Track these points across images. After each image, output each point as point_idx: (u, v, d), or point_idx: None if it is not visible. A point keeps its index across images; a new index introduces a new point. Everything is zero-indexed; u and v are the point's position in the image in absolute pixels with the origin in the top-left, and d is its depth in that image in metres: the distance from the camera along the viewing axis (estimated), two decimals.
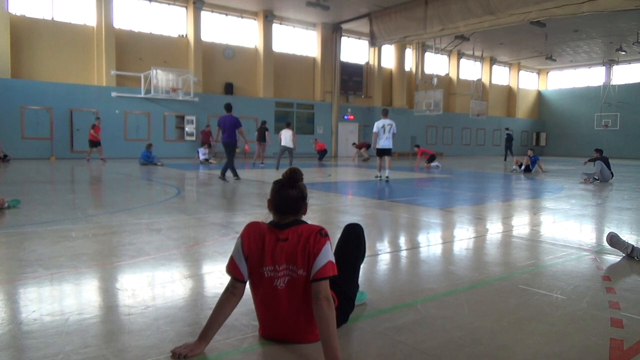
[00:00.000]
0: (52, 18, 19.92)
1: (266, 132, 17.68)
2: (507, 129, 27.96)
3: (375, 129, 11.70)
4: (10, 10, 18.67)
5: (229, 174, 11.15)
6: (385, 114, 11.89)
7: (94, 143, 17.35)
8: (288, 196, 2.26)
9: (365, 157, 22.48)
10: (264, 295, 2.24)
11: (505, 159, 25.20)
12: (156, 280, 3.37)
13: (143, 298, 2.94)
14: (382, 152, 11.82)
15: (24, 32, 19.22)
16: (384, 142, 11.66)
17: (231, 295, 2.25)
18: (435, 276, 3.59)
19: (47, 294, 3.05)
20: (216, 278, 3.38)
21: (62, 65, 20.15)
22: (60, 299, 2.95)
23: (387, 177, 11.67)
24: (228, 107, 10.82)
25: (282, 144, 15.33)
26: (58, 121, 19.65)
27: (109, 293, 3.09)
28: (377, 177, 12.04)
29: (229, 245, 4.30)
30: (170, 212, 6.52)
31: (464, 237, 5.23)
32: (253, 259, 2.23)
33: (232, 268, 2.26)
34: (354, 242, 2.68)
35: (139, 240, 4.75)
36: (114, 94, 20.66)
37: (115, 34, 20.86)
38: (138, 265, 3.76)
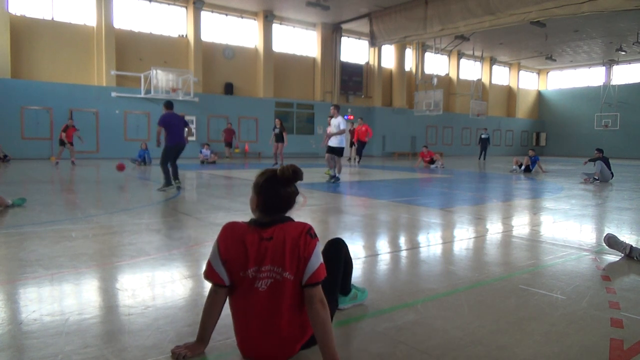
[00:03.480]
0: (52, 18, 19.93)
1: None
2: (485, 129, 27.96)
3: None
4: (10, 10, 18.68)
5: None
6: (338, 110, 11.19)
7: (64, 142, 16.16)
8: (286, 194, 2.10)
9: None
10: (243, 299, 2.07)
11: (483, 159, 25.35)
12: (156, 281, 3.37)
13: (143, 298, 2.94)
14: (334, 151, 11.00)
15: (24, 32, 19.22)
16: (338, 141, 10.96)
17: (216, 298, 2.15)
18: (436, 276, 3.59)
19: (47, 294, 3.05)
20: None
21: (62, 65, 20.15)
22: (60, 299, 2.95)
23: (334, 176, 10.93)
24: (171, 105, 9.20)
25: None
26: (58, 121, 19.58)
27: (109, 293, 3.09)
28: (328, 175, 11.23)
29: None
30: (171, 212, 6.52)
31: (464, 237, 5.23)
32: (233, 262, 2.06)
33: (210, 273, 2.11)
34: (333, 259, 2.46)
35: (139, 240, 4.75)
36: (114, 94, 20.67)
37: (115, 34, 20.86)
38: (138, 265, 3.76)
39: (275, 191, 2.09)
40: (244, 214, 6.21)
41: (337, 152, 10.87)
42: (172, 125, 8.86)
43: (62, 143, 16.15)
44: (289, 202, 2.13)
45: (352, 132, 19.13)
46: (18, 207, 6.34)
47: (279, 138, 16.73)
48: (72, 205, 7.30)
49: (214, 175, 12.92)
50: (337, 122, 10.78)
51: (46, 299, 2.95)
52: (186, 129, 9.29)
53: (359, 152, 18.94)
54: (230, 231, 2.11)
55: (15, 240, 4.54)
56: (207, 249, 4.24)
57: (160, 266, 3.71)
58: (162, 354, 2.16)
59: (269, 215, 2.11)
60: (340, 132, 10.72)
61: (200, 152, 19.05)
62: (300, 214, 6.24)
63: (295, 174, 2.08)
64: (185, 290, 3.13)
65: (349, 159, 20.91)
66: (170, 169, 8.90)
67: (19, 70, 19.20)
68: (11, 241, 4.52)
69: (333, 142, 10.88)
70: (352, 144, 21.25)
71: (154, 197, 7.81)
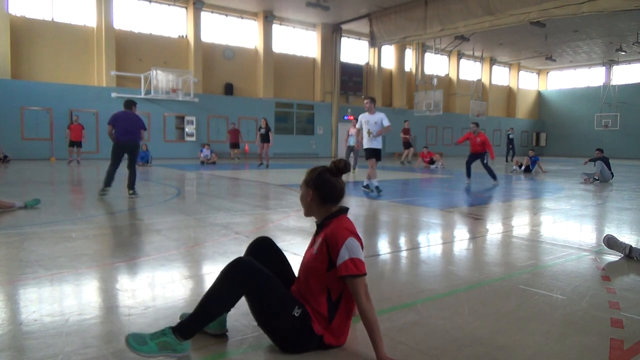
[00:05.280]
0: (52, 19, 19.91)
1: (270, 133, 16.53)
2: (511, 128, 27.82)
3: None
4: (10, 11, 18.67)
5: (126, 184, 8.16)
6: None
7: (75, 143, 16.60)
8: (340, 185, 2.33)
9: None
10: (366, 287, 2.27)
11: (511, 159, 24.80)
12: (156, 281, 3.37)
13: (143, 299, 2.94)
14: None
15: (24, 32, 19.21)
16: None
17: None
18: (435, 277, 3.59)
19: (47, 294, 3.05)
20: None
21: (62, 66, 20.15)
22: (61, 300, 2.96)
23: (377, 186, 9.03)
24: (131, 104, 8.26)
25: (350, 143, 14.85)
26: (58, 122, 19.61)
27: (109, 294, 3.09)
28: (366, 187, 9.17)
29: (228, 245, 4.31)
30: (170, 212, 6.52)
31: (464, 237, 5.23)
32: None
33: (364, 267, 2.23)
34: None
35: (139, 240, 4.76)
36: (114, 95, 20.66)
37: (115, 35, 20.86)
38: (138, 265, 3.76)
39: (332, 183, 2.30)
40: (244, 215, 6.21)
41: (378, 154, 8.96)
42: (120, 121, 7.97)
43: (71, 144, 16.57)
44: (343, 192, 2.34)
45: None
46: (31, 208, 6.30)
47: (265, 138, 16.35)
48: (72, 205, 7.30)
49: (214, 175, 12.92)
50: (380, 118, 8.71)
51: (46, 299, 2.95)
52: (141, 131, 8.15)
53: (488, 167, 12.39)
54: (348, 222, 2.28)
55: (15, 241, 4.53)
56: (207, 250, 4.26)
57: (160, 267, 3.71)
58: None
59: (338, 203, 2.33)
60: (387, 129, 8.75)
61: (201, 152, 19.06)
62: (301, 214, 6.24)
63: (346, 166, 2.32)
64: (185, 291, 3.14)
65: (402, 162, 20.03)
66: (128, 175, 8.03)
67: (19, 70, 19.19)
68: (11, 241, 4.51)
69: (373, 142, 8.83)
70: (406, 144, 20.35)
71: (153, 198, 7.81)
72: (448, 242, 5.02)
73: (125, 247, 4.49)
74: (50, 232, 4.89)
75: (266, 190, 9.50)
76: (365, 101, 8.89)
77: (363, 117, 8.90)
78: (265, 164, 16.49)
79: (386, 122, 8.70)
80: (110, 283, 3.32)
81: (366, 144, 8.90)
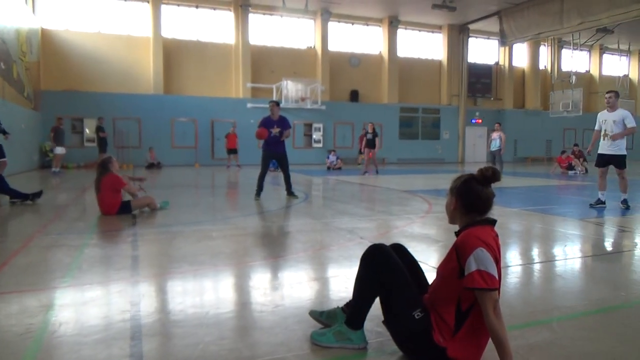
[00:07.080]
0: (197, 39, 22.04)
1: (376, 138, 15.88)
2: None
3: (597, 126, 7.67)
4: (163, 34, 21.06)
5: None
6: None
7: (232, 150, 19.27)
8: (485, 195, 2.14)
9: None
10: (495, 302, 2.00)
11: None
12: (285, 281, 3.56)
13: (273, 297, 3.12)
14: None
15: (174, 52, 21.56)
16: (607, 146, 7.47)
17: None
18: (574, 293, 3.29)
19: (190, 287, 3.38)
20: (341, 282, 3.46)
21: (205, 81, 22.18)
22: (202, 293, 3.26)
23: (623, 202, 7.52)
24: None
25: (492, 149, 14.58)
26: (201, 131, 21.70)
27: (243, 290, 3.34)
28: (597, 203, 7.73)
29: (353, 250, 4.38)
30: (299, 216, 6.81)
31: (607, 251, 4.72)
32: (497, 264, 2.04)
33: (496, 281, 1.99)
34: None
35: (270, 242, 5.06)
36: (249, 105, 22.18)
37: (251, 50, 22.42)
38: (269, 265, 4.00)
39: (478, 192, 2.14)
40: (369, 220, 6.26)
41: (617, 162, 7.45)
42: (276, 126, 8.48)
43: (228, 151, 19.30)
44: (489, 203, 2.16)
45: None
46: (163, 209, 7.03)
47: (371, 143, 15.56)
48: (212, 207, 7.98)
49: (340, 180, 13.21)
50: (621, 117, 7.21)
51: (190, 292, 3.27)
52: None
53: None
54: (484, 232, 2.09)
55: (165, 238, 5.09)
56: (333, 253, 4.38)
57: (289, 267, 3.91)
58: (290, 351, 2.27)
59: (484, 214, 2.16)
60: (629, 132, 7.19)
61: (327, 158, 19.62)
62: (425, 221, 6.14)
63: (494, 174, 2.12)
64: (312, 292, 3.26)
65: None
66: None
67: (170, 86, 21.56)
68: (162, 239, 5.08)
69: (611, 147, 7.39)
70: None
71: (283, 202, 8.22)
72: (588, 255, 4.56)
73: (257, 247, 4.80)
74: (193, 232, 5.41)
75: (390, 196, 9.48)
76: (608, 95, 7.39)
77: (601, 116, 7.53)
78: (370, 171, 15.71)
79: (630, 123, 7.11)
80: (245, 280, 3.58)
81: (602, 148, 7.49)
